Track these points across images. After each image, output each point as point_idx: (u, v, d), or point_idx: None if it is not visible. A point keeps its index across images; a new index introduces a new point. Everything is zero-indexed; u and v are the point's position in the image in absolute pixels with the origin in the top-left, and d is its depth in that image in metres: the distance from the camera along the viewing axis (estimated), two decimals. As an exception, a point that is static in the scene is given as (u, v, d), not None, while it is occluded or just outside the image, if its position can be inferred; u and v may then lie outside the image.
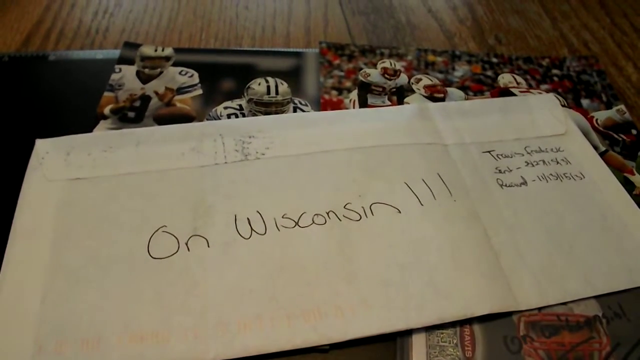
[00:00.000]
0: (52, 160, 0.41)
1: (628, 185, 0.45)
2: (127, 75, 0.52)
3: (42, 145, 0.42)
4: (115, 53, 0.54)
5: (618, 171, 0.46)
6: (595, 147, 0.47)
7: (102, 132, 0.45)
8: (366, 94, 0.52)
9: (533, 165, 0.45)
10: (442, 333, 0.34)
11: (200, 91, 0.51)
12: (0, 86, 0.50)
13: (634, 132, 0.49)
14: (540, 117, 0.48)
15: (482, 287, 0.36)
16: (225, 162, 0.42)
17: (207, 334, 0.33)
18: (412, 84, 0.53)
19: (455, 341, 0.34)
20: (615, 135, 0.49)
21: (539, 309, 0.36)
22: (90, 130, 0.46)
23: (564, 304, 0.36)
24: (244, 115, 0.48)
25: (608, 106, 0.52)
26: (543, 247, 0.39)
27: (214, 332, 0.33)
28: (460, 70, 0.55)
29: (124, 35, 0.58)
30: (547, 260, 0.38)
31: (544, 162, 0.45)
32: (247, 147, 0.43)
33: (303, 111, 0.49)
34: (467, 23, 0.63)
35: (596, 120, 0.50)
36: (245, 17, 0.62)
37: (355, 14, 0.63)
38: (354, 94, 0.51)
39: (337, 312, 0.34)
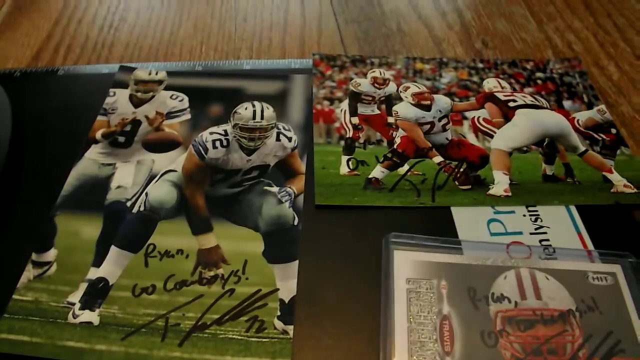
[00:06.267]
0: None
1: (606, 184, 0.47)
2: (120, 99, 0.54)
3: None
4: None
5: (597, 170, 0.48)
6: (576, 148, 0.50)
7: None
8: (356, 103, 0.54)
9: None
10: (423, 329, 0.37)
11: (188, 116, 0.53)
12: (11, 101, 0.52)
13: (613, 131, 0.52)
14: None
15: None
16: None
17: None
18: (400, 92, 0.55)
19: (434, 337, 0.36)
20: (596, 135, 0.51)
21: (515, 304, 0.38)
22: (82, 155, 0.49)
23: (540, 299, 0.38)
24: (228, 141, 0.48)
25: (589, 107, 0.54)
26: None
27: None
28: (447, 76, 0.57)
29: (129, 49, 0.61)
30: None
31: None
32: None
33: (286, 137, 0.49)
34: (455, 28, 0.65)
35: (577, 120, 0.53)
36: (243, 29, 0.65)
37: (348, 23, 0.66)
38: (345, 104, 0.54)
39: None
